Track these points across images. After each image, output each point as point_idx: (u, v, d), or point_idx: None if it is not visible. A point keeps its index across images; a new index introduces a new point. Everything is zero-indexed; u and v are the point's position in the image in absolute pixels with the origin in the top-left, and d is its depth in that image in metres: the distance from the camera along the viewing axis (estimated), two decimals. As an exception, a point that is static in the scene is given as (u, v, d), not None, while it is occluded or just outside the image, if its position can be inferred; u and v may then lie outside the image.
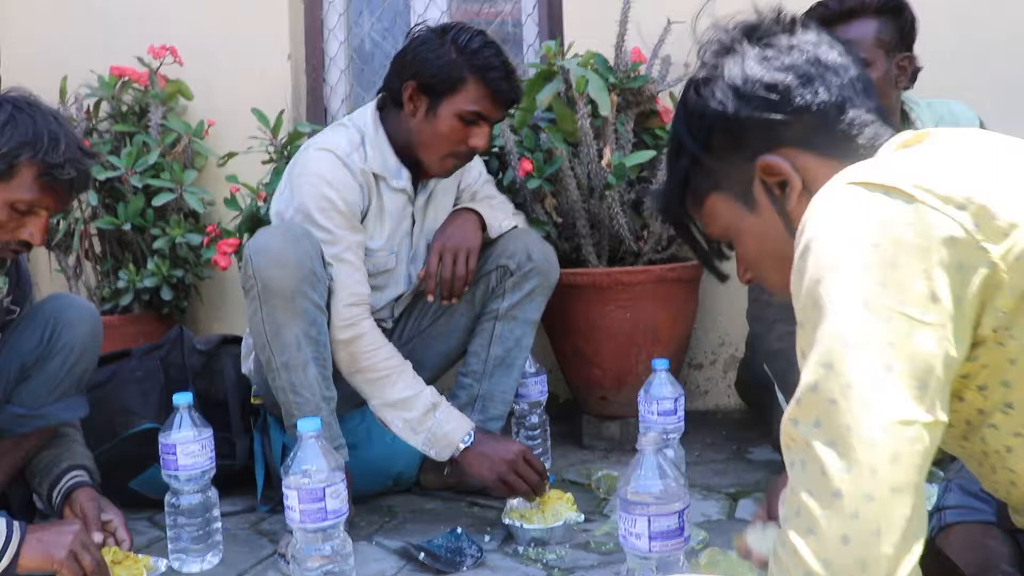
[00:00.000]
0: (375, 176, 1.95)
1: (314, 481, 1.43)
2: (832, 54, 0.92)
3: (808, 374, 0.73)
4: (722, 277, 1.08)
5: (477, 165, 2.19)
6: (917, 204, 0.73)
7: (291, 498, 1.44)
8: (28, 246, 1.56)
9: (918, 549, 0.70)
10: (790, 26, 0.94)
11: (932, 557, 0.94)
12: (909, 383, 0.70)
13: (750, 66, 0.91)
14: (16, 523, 1.46)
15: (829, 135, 0.89)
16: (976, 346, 0.75)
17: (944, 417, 0.72)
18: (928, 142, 0.85)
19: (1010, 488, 0.82)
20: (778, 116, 0.89)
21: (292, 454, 1.47)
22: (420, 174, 2.01)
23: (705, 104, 0.94)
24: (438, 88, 1.89)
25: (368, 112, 1.99)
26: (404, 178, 1.98)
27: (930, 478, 1.55)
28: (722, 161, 0.94)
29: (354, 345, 1.86)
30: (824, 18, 1.86)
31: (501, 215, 2.09)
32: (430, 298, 1.96)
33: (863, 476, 0.68)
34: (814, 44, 0.92)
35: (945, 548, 1.12)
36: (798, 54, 0.91)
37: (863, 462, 0.68)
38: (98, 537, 1.59)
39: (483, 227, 2.02)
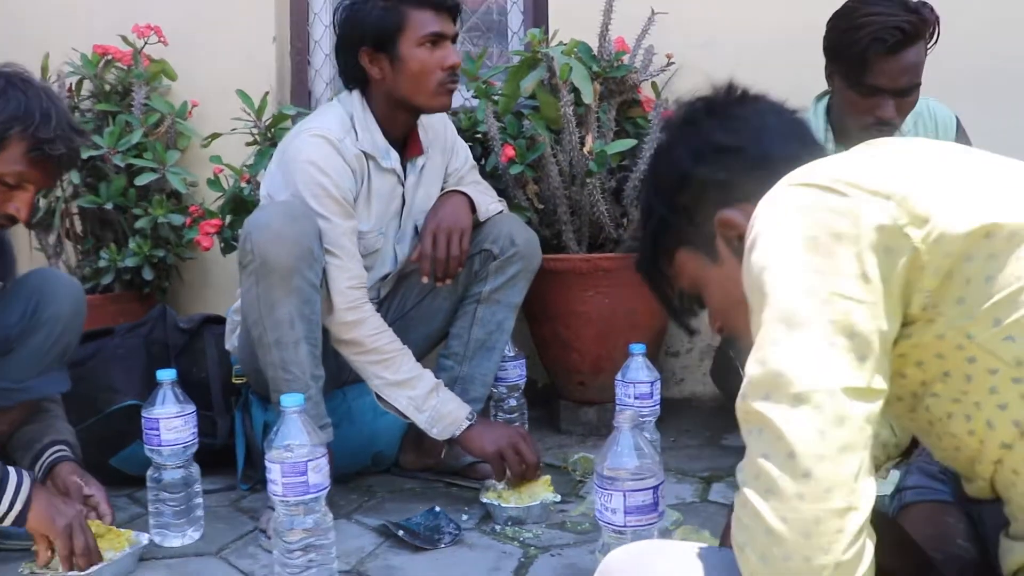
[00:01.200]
0: (366, 156, 1.96)
1: (297, 455, 1.45)
2: (774, 119, 1.04)
3: (757, 352, 0.80)
4: (691, 332, 1.17)
5: (463, 150, 2.21)
6: (848, 198, 0.81)
7: (274, 471, 1.46)
8: (13, 220, 1.57)
9: (867, 505, 0.75)
10: (740, 98, 1.06)
11: (893, 534, 0.99)
12: (849, 355, 0.77)
13: (707, 133, 1.02)
14: (26, 474, 1.50)
15: (775, 176, 0.96)
16: (909, 325, 0.82)
17: (882, 385, 0.79)
18: (860, 148, 0.94)
19: (955, 454, 0.87)
20: (732, 175, 0.98)
21: (275, 428, 1.50)
22: (405, 153, 2.04)
23: (670, 168, 1.04)
24: (387, 36, 1.94)
25: (355, 94, 2.01)
26: (393, 159, 2.00)
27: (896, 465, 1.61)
28: (686, 219, 1.02)
29: (360, 328, 1.89)
30: (898, 41, 1.85)
31: (488, 199, 2.12)
32: (424, 279, 1.98)
33: (813, 438, 0.74)
34: (760, 112, 1.04)
35: (905, 525, 1.17)
36: (746, 121, 1.02)
37: (811, 426, 0.75)
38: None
39: (473, 210, 2.05)
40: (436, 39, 1.94)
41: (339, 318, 1.88)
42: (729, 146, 1.00)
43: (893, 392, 0.86)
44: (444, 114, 2.19)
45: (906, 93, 1.91)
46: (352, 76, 2.01)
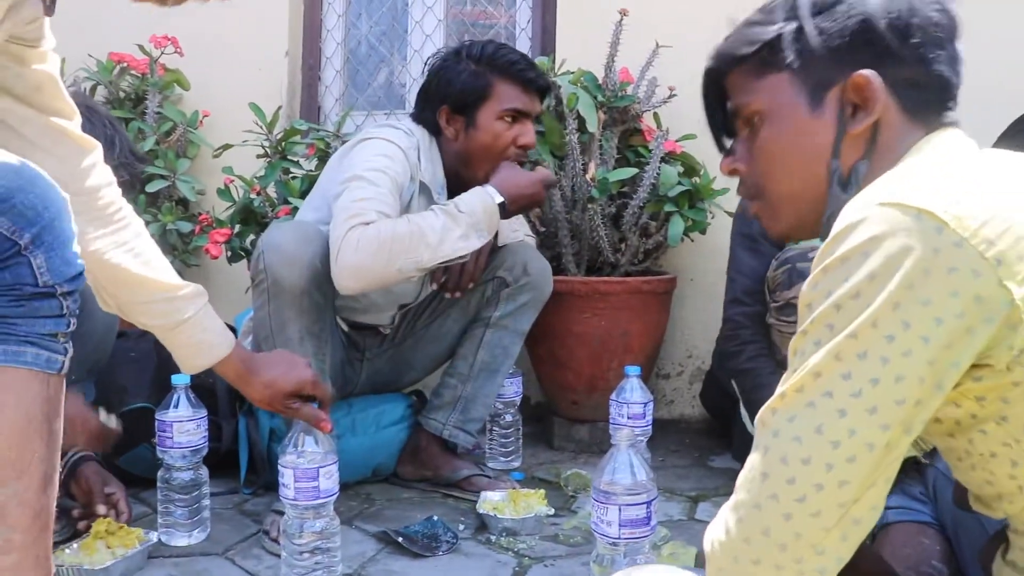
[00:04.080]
0: (421, 186, 2.00)
1: (309, 461, 1.51)
2: (961, 44, 0.94)
3: (799, 375, 0.79)
4: (722, 147, 1.05)
5: None
6: (947, 231, 0.73)
7: (287, 476, 1.52)
8: None
9: (854, 534, 0.78)
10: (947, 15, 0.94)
11: (869, 560, 1.05)
12: (888, 399, 0.75)
13: (906, 5, 0.90)
14: None
15: (921, 103, 0.90)
16: (982, 368, 0.78)
17: (912, 431, 0.78)
18: (972, 157, 0.88)
19: (985, 486, 0.88)
20: (906, 53, 0.89)
21: (290, 435, 1.56)
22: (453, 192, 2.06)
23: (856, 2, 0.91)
24: (469, 101, 1.97)
25: (425, 130, 2.04)
26: (445, 196, 2.04)
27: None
28: (827, 49, 0.91)
29: (370, 242, 1.77)
30: None
31: (513, 226, 2.17)
32: (433, 286, 2.03)
33: (819, 470, 0.76)
34: (956, 24, 0.93)
35: (885, 543, 1.24)
36: (947, 19, 0.92)
37: (822, 458, 0.76)
38: (101, 509, 1.68)
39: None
40: (517, 115, 1.97)
41: (343, 251, 1.77)
42: (924, 27, 0.89)
43: (935, 415, 0.83)
44: None
45: None
46: (425, 124, 2.03)
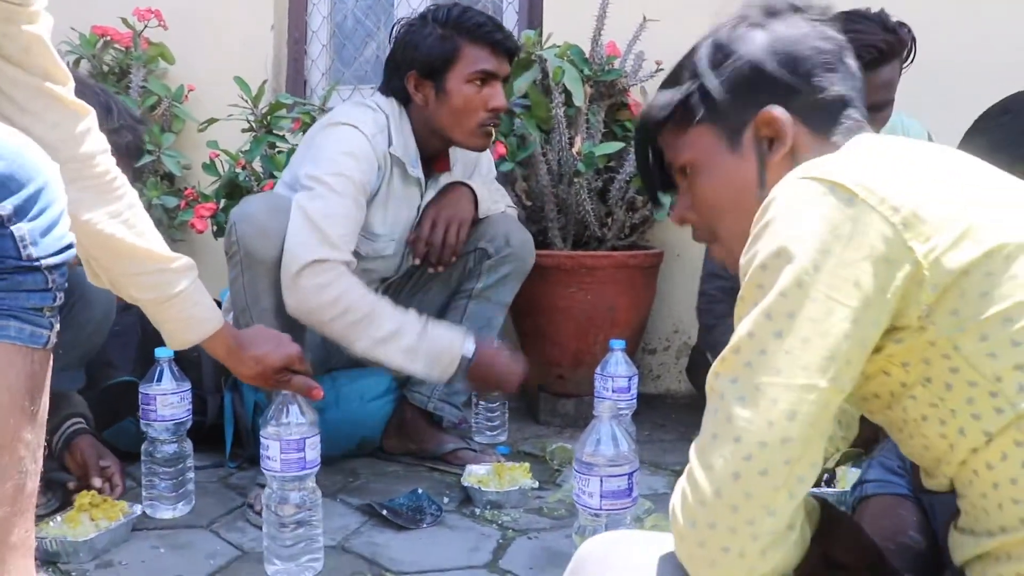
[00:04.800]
0: (394, 160, 1.98)
1: (294, 432, 1.50)
2: (852, 60, 1.02)
3: (735, 338, 0.85)
4: (656, 202, 1.17)
5: (486, 160, 2.24)
6: (858, 202, 0.82)
7: (271, 448, 1.51)
8: None
9: (800, 490, 0.81)
10: (829, 22, 1.03)
11: (848, 528, 1.06)
12: (818, 355, 0.81)
13: (795, 30, 1.00)
14: None
15: (827, 121, 0.99)
16: (900, 330, 0.85)
17: (845, 388, 0.83)
18: (881, 146, 0.95)
19: (923, 451, 0.92)
20: (800, 84, 0.98)
21: (272, 407, 1.55)
22: (430, 170, 2.07)
23: (742, 43, 1.00)
24: (437, 66, 1.94)
25: (394, 101, 2.01)
26: (419, 169, 2.03)
27: (856, 462, 1.69)
28: (730, 97, 1.00)
29: (325, 293, 1.82)
30: (872, 60, 1.93)
31: (494, 198, 2.16)
32: (416, 261, 2.03)
33: (761, 427, 0.80)
34: (842, 45, 1.02)
35: (863, 516, 1.25)
36: (832, 44, 1.00)
37: (763, 416, 0.80)
38: (96, 482, 1.69)
39: (475, 204, 2.09)
40: (486, 77, 1.95)
41: (300, 280, 1.80)
42: (808, 56, 0.98)
43: (870, 389, 0.91)
44: None
45: (879, 108, 1.99)
46: (394, 92, 2.01)
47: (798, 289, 0.82)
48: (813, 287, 0.81)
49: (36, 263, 0.95)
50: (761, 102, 0.98)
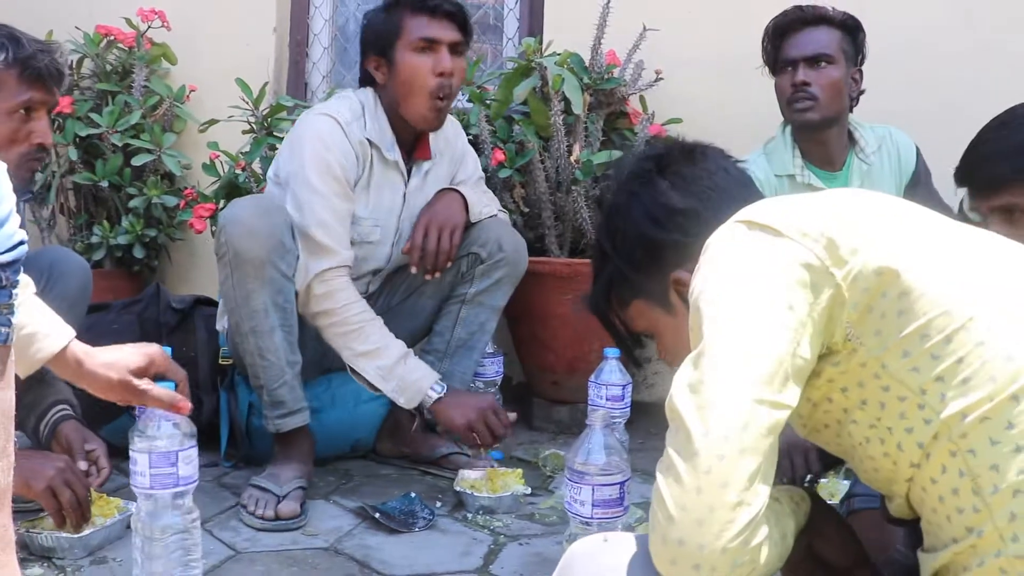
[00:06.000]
0: (371, 145, 2.03)
1: (166, 444, 1.40)
2: (723, 176, 1.10)
3: (687, 361, 0.90)
4: (638, 364, 1.28)
5: (472, 160, 2.27)
6: (781, 237, 0.92)
7: (140, 462, 1.39)
8: (43, 149, 1.63)
9: (759, 501, 0.85)
10: (690, 156, 1.12)
11: (842, 532, 1.08)
12: (762, 371, 0.87)
13: (662, 194, 1.09)
14: None
15: None
16: (836, 354, 0.92)
17: (789, 401, 0.88)
18: (800, 196, 1.04)
19: (875, 475, 0.96)
20: (687, 237, 1.06)
21: (143, 417, 1.44)
22: (412, 158, 2.10)
23: (627, 227, 1.11)
24: (386, 42, 2.01)
25: (369, 89, 2.08)
26: (396, 152, 2.06)
27: (846, 475, 1.71)
28: (642, 274, 1.10)
29: (327, 301, 1.94)
30: (797, 19, 2.11)
31: (484, 203, 2.18)
32: (413, 270, 2.05)
33: (717, 440, 0.84)
34: (710, 171, 1.11)
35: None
36: (698, 181, 1.09)
37: (718, 429, 0.85)
38: (82, 465, 1.67)
39: (467, 209, 2.11)
40: (429, 44, 1.98)
41: (312, 290, 1.93)
42: (684, 209, 1.08)
43: (820, 419, 0.97)
44: (456, 121, 2.26)
45: (815, 62, 2.08)
46: (366, 80, 2.08)
47: (736, 313, 0.89)
48: (749, 312, 0.89)
49: None
50: (670, 266, 1.06)
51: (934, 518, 0.89)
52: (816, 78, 2.08)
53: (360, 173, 2.02)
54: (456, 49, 2.02)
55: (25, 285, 1.35)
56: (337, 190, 1.96)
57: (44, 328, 1.34)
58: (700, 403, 0.86)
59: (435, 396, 1.95)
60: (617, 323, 1.18)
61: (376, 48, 2.03)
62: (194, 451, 1.42)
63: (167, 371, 1.43)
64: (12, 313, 0.98)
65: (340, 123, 1.98)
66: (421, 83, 1.98)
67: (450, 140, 2.20)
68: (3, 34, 1.58)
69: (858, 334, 0.90)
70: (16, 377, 1.75)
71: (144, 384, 1.38)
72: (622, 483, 1.44)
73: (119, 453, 2.02)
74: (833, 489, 1.84)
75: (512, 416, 2.02)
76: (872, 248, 0.90)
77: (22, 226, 0.99)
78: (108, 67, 2.93)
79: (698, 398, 0.86)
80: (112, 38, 2.92)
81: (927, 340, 0.87)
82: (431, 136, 2.12)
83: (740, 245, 0.94)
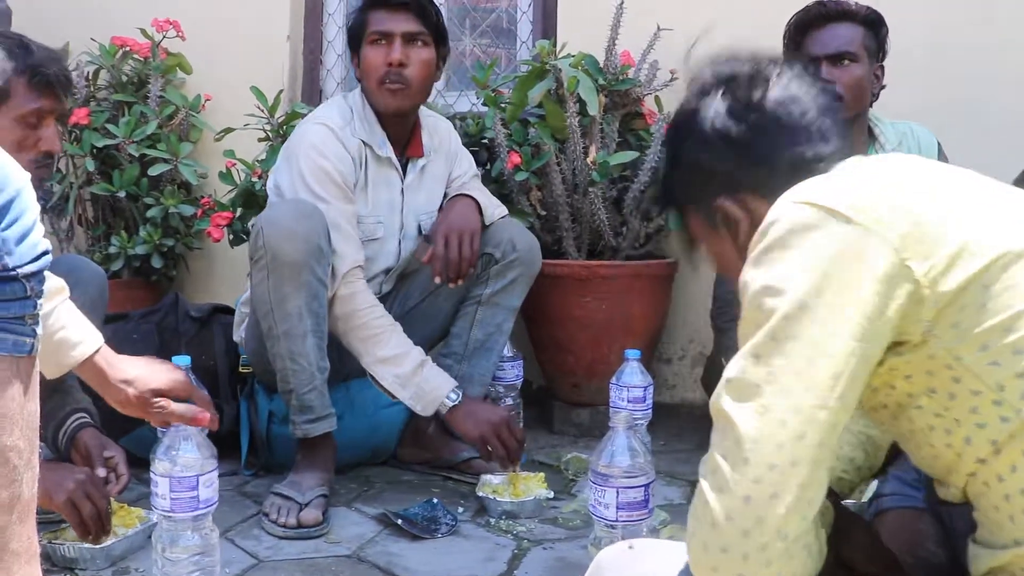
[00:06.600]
0: (364, 145, 2.06)
1: (186, 468, 1.41)
2: (795, 110, 1.00)
3: (739, 360, 0.85)
4: (694, 266, 1.22)
5: (467, 158, 2.29)
6: (854, 224, 0.84)
7: (160, 485, 1.40)
8: (51, 157, 1.64)
9: (810, 512, 0.81)
10: (764, 82, 1.02)
11: (867, 537, 1.06)
12: (824, 375, 0.81)
13: (720, 120, 1.01)
14: None
15: (782, 184, 0.97)
16: (902, 344, 0.86)
17: (851, 405, 0.84)
18: (872, 167, 0.96)
19: (932, 462, 0.92)
20: (738, 167, 1.01)
21: (164, 439, 1.45)
22: (405, 156, 2.14)
23: (680, 142, 1.07)
24: (356, 39, 2.10)
25: (358, 90, 2.13)
26: (388, 149, 2.10)
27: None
28: (688, 190, 1.07)
29: (349, 304, 1.96)
30: (819, 15, 2.09)
31: (493, 204, 2.19)
32: (437, 279, 2.05)
33: (769, 449, 0.80)
34: (780, 102, 1.00)
35: (881, 530, 1.24)
36: (763, 113, 1.00)
37: (772, 436, 0.80)
38: (101, 472, 1.66)
39: (480, 213, 2.12)
40: (381, 36, 2.05)
41: (339, 294, 1.96)
42: (735, 139, 1.00)
43: (879, 400, 0.91)
44: (448, 122, 2.30)
45: (838, 59, 2.06)
46: (357, 81, 2.15)
47: (801, 312, 0.83)
48: (816, 309, 0.83)
49: (12, 272, 0.94)
50: (717, 192, 1.01)
51: (995, 515, 0.87)
52: (839, 76, 2.04)
53: (358, 173, 2.06)
54: (412, 39, 2.06)
55: (60, 290, 1.37)
56: (339, 195, 2.00)
57: (76, 334, 1.36)
58: (753, 407, 0.82)
59: (450, 404, 1.95)
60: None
61: (352, 47, 2.12)
62: (215, 474, 1.43)
63: (189, 396, 1.43)
64: (37, 323, 0.98)
65: (333, 129, 2.03)
66: (374, 72, 2.06)
67: (443, 137, 2.23)
68: (14, 42, 1.60)
69: (933, 327, 0.84)
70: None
71: (161, 402, 1.39)
72: (646, 485, 1.43)
73: (139, 462, 2.03)
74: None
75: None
76: (956, 236, 0.83)
77: None
78: (124, 78, 2.94)
79: (751, 401, 0.82)
80: (128, 49, 2.93)
81: (1011, 334, 0.82)
82: (424, 134, 2.16)
83: (804, 235, 0.85)
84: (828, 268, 0.83)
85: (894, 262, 0.83)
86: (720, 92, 1.02)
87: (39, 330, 0.98)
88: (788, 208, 0.89)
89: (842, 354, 0.82)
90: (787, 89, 1.01)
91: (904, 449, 0.98)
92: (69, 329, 1.35)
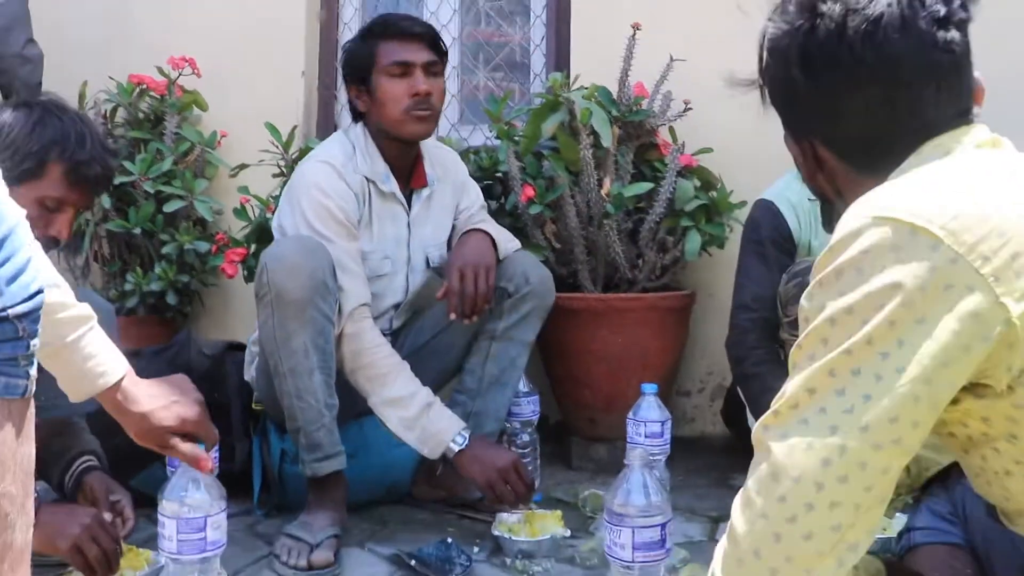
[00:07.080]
0: (367, 181, 2.06)
1: (194, 510, 1.42)
2: (874, 72, 0.85)
3: (792, 390, 0.78)
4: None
5: (474, 189, 2.28)
6: (943, 248, 0.72)
7: (168, 527, 1.41)
8: (56, 242, 1.64)
9: (850, 558, 0.76)
10: (839, 34, 0.86)
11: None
12: (881, 418, 0.74)
13: (795, 63, 0.89)
14: None
15: (876, 158, 0.88)
16: (983, 387, 0.77)
17: (910, 450, 0.76)
18: (996, 155, 0.83)
19: (1003, 502, 0.87)
20: (825, 116, 0.89)
21: (172, 480, 1.46)
22: (409, 187, 2.13)
23: (784, 64, 0.92)
24: (364, 70, 2.06)
25: (359, 125, 2.13)
26: (392, 184, 2.09)
27: (903, 507, 1.63)
28: (782, 111, 0.97)
29: (356, 342, 1.94)
30: None
31: (505, 237, 2.17)
32: (452, 316, 2.02)
33: (809, 488, 0.75)
34: (857, 60, 0.85)
35: (913, 566, 1.19)
36: (839, 67, 0.87)
37: (812, 476, 0.75)
38: (107, 517, 1.64)
39: (495, 247, 2.10)
40: (402, 67, 2.03)
41: (343, 330, 1.94)
42: (808, 93, 0.89)
43: (948, 430, 0.83)
44: (455, 152, 2.30)
45: None
46: (355, 115, 2.14)
47: (867, 346, 0.74)
48: (884, 343, 0.73)
49: (3, 313, 0.92)
50: (801, 128, 0.93)
51: None
52: None
53: (362, 209, 2.05)
54: (430, 69, 2.06)
55: (88, 317, 1.37)
56: (343, 232, 1.99)
57: (100, 363, 1.36)
58: (796, 442, 0.75)
59: (456, 449, 1.91)
60: None
61: (355, 78, 2.09)
62: (223, 515, 1.43)
63: (199, 433, 1.44)
64: (31, 364, 0.96)
65: (335, 166, 2.02)
66: (397, 104, 2.04)
67: (448, 168, 2.22)
68: (75, 128, 1.61)
69: (1020, 375, 0.74)
70: (39, 427, 1.74)
71: (171, 440, 1.41)
72: (663, 524, 1.39)
73: (149, 502, 2.00)
74: (885, 523, 1.77)
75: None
76: None
77: None
78: (140, 115, 2.97)
79: (796, 437, 0.75)
80: (144, 86, 2.95)
81: None
82: (426, 163, 2.15)
83: (881, 258, 0.74)
84: (905, 299, 0.73)
85: (987, 298, 0.72)
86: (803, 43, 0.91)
87: (33, 371, 0.96)
88: (864, 222, 0.77)
89: (906, 397, 0.73)
90: (875, 32, 0.88)
91: (967, 475, 0.91)
92: (96, 357, 1.36)
